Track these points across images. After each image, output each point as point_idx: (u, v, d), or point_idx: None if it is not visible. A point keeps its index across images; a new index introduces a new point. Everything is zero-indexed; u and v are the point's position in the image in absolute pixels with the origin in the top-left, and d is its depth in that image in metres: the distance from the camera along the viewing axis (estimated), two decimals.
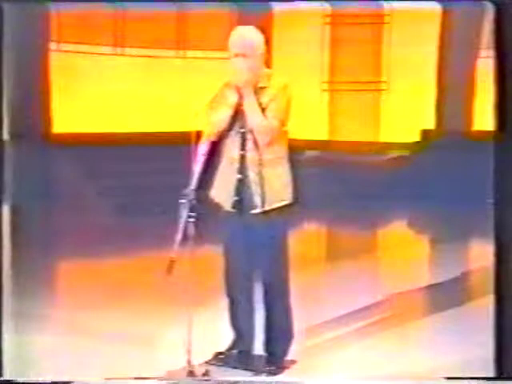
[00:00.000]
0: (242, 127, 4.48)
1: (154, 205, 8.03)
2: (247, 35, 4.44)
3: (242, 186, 4.52)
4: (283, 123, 4.49)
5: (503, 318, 4.37)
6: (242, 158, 4.51)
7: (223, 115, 4.47)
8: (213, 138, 4.50)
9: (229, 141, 4.53)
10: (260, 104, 4.43)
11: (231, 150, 4.53)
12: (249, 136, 4.48)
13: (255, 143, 4.46)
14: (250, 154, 4.49)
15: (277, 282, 4.60)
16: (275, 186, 4.51)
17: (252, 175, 4.49)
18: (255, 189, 4.49)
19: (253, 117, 4.41)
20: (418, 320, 5.86)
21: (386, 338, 5.31)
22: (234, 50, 4.42)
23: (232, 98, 4.48)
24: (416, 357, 4.90)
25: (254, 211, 4.51)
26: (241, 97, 4.44)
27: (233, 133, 4.51)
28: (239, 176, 4.52)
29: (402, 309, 6.04)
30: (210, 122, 4.48)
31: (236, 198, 4.53)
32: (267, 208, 4.50)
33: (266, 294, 4.61)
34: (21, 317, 5.24)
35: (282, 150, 4.54)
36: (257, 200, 4.49)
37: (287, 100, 4.48)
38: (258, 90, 4.46)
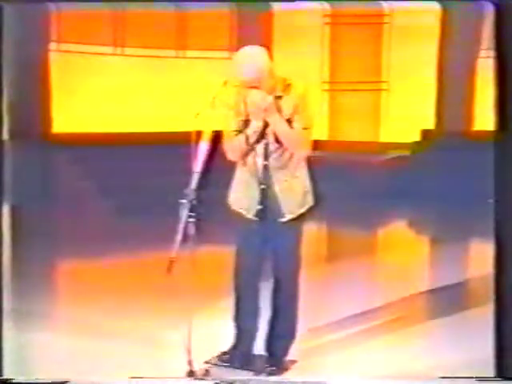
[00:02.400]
0: (264, 138, 4.48)
1: (154, 205, 8.03)
2: (256, 65, 4.34)
3: (266, 195, 4.53)
4: (310, 130, 4.53)
5: (503, 318, 4.37)
6: (266, 167, 4.51)
7: (250, 138, 4.46)
8: (235, 159, 4.50)
9: (250, 151, 4.53)
10: (284, 115, 4.42)
11: (253, 159, 4.52)
12: (271, 146, 4.48)
13: (279, 153, 4.47)
14: (274, 164, 4.50)
15: (289, 283, 4.62)
16: (298, 192, 4.55)
17: (276, 184, 4.51)
18: (280, 197, 4.52)
19: (283, 132, 4.41)
20: (419, 322, 5.86)
21: (387, 340, 5.30)
22: (247, 83, 4.37)
23: (256, 124, 4.46)
24: (417, 358, 4.90)
25: (280, 220, 4.52)
26: (264, 118, 4.42)
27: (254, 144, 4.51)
28: (263, 186, 4.52)
29: (402, 310, 6.03)
30: (230, 142, 4.47)
31: (259, 207, 4.54)
32: (292, 216, 4.53)
33: (277, 293, 4.62)
34: (21, 316, 5.24)
35: (301, 155, 4.58)
36: (283, 209, 4.52)
37: (308, 107, 4.50)
38: (276, 100, 4.44)
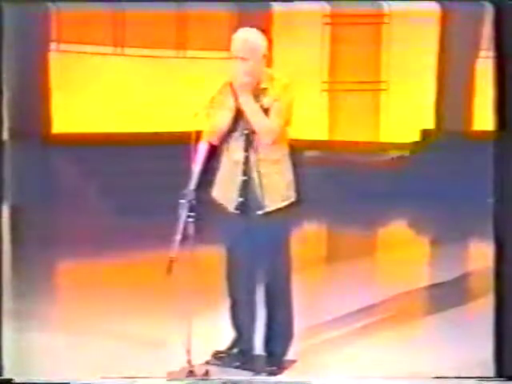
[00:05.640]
0: (245, 129, 4.48)
1: (154, 205, 8.03)
2: (248, 38, 4.43)
3: (246, 187, 4.52)
4: (286, 122, 4.50)
5: (503, 318, 4.37)
6: (247, 159, 4.51)
7: (225, 118, 4.46)
8: (215, 142, 4.49)
9: (232, 142, 4.52)
10: (262, 105, 4.43)
11: (235, 151, 4.52)
12: (253, 137, 4.48)
13: (259, 144, 4.47)
14: (255, 155, 4.49)
15: (280, 282, 4.61)
16: (279, 186, 4.52)
17: (257, 176, 4.50)
18: (260, 189, 4.49)
19: (254, 117, 4.42)
20: (418, 320, 5.86)
21: (386, 338, 5.31)
22: (235, 53, 4.41)
23: (232, 101, 4.48)
24: (416, 357, 4.90)
25: (259, 212, 4.51)
26: (238, 97, 4.43)
27: (236, 134, 4.50)
28: (244, 177, 4.51)
29: (402, 309, 6.04)
30: (211, 124, 4.48)
31: (240, 200, 4.53)
32: (272, 208, 4.51)
33: (269, 293, 4.62)
34: (21, 316, 5.24)
35: (284, 150, 4.56)
36: (262, 200, 4.50)
37: (289, 100, 4.49)
38: (260, 92, 4.46)
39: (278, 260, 4.58)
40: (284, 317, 4.65)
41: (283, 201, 4.52)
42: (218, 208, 4.59)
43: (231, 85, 4.49)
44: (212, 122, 4.47)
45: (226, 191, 4.56)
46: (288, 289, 4.63)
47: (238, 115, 4.46)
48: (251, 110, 4.41)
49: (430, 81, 12.38)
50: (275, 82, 4.48)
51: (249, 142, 4.49)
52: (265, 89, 4.47)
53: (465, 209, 8.91)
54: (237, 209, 4.53)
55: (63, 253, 7.81)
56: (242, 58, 4.38)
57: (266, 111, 4.43)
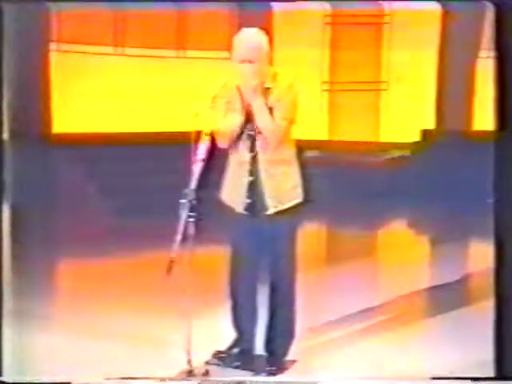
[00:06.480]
0: (251, 129, 4.48)
1: (154, 205, 8.03)
2: (252, 39, 4.42)
3: (253, 188, 4.52)
4: (291, 122, 4.50)
5: (503, 318, 4.37)
6: (253, 159, 4.51)
7: (236, 121, 4.46)
8: (226, 145, 4.49)
9: (237, 144, 4.52)
10: (267, 105, 4.43)
11: (241, 152, 4.53)
12: (259, 137, 4.48)
13: (265, 144, 4.47)
14: (261, 156, 4.50)
15: (284, 282, 4.61)
16: (286, 186, 4.52)
17: (263, 176, 4.50)
18: (267, 190, 4.50)
19: (263, 119, 4.41)
20: (419, 321, 5.86)
21: (387, 339, 5.31)
22: (240, 56, 4.39)
23: (240, 102, 4.48)
24: (417, 358, 4.90)
25: (267, 212, 4.51)
26: (249, 100, 4.43)
27: (242, 136, 4.50)
28: (251, 178, 4.52)
29: (402, 310, 6.03)
30: (222, 127, 4.46)
31: (248, 201, 4.53)
32: (280, 208, 4.51)
33: (273, 293, 4.62)
34: (21, 317, 5.24)
35: (290, 150, 4.56)
36: (269, 201, 4.50)
37: (293, 98, 4.49)
38: (264, 91, 4.45)
39: (284, 260, 4.58)
40: (286, 317, 4.65)
41: (289, 201, 4.53)
42: (225, 209, 4.59)
43: (238, 88, 4.48)
44: (222, 125, 4.46)
45: (233, 193, 4.57)
46: (292, 289, 4.64)
47: (246, 117, 4.47)
48: (261, 112, 4.41)
49: (431, 81, 12.36)
50: (279, 82, 4.48)
51: (255, 143, 4.49)
52: (268, 88, 4.46)
53: (465, 209, 8.90)
54: (245, 210, 4.54)
55: (63, 253, 7.80)
56: (249, 61, 4.37)
57: (270, 110, 4.43)
